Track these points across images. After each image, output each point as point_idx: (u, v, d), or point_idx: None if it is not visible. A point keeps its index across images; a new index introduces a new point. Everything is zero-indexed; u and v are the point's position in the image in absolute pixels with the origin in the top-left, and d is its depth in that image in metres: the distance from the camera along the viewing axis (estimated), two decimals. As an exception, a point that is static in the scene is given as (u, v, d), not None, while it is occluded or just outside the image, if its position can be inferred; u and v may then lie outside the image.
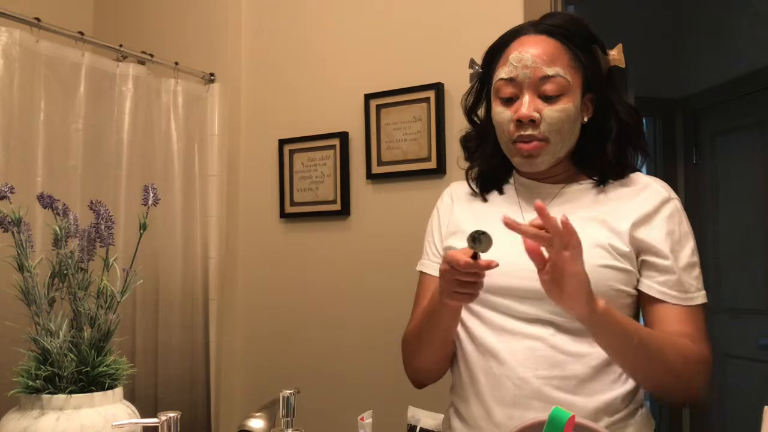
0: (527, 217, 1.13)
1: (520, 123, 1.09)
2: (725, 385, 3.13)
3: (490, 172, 1.22)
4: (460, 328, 1.16)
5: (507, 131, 1.11)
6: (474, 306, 1.13)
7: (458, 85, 1.92)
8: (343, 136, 2.14)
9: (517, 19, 1.81)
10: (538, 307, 1.06)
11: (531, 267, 0.98)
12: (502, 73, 1.11)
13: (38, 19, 1.80)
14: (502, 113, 1.11)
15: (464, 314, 1.15)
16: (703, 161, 3.34)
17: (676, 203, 1.12)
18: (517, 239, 1.04)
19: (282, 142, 2.26)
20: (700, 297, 1.11)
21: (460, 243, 1.15)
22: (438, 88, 1.96)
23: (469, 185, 1.25)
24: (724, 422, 3.12)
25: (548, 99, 1.08)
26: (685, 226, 1.12)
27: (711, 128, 3.32)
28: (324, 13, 2.22)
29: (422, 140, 1.98)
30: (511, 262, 1.05)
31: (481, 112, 1.24)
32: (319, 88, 2.21)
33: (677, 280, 1.08)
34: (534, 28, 1.12)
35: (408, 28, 2.05)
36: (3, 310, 1.33)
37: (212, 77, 2.32)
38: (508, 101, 1.11)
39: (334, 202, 2.15)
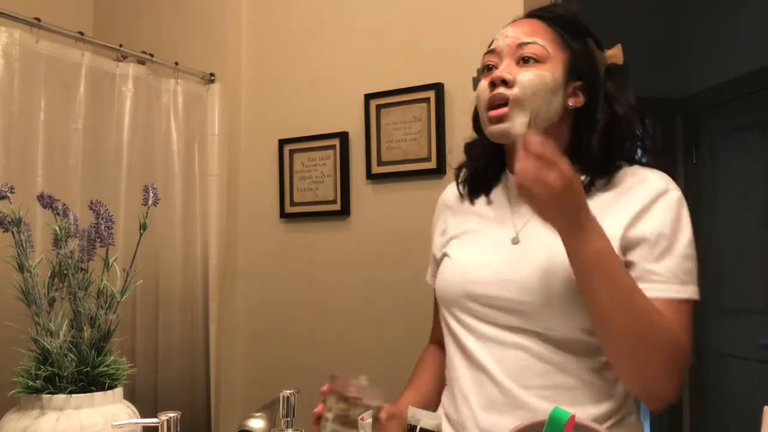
0: (517, 220, 1.11)
1: (493, 85, 1.07)
2: (725, 385, 3.13)
3: (480, 174, 1.19)
4: (448, 335, 1.16)
5: (483, 99, 1.09)
6: (460, 314, 1.12)
7: (458, 85, 1.92)
8: (343, 136, 2.14)
9: (517, 19, 1.82)
10: (524, 319, 1.04)
11: (517, 279, 1.00)
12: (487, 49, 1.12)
13: (38, 19, 1.80)
14: (481, 83, 1.10)
15: (452, 322, 1.14)
16: (703, 161, 3.34)
17: (674, 194, 1.06)
18: (505, 250, 1.07)
19: (282, 142, 2.26)
20: (687, 291, 1.02)
21: (451, 251, 1.16)
22: (438, 88, 1.96)
23: (458, 188, 1.23)
24: (724, 422, 3.12)
25: (526, 64, 1.06)
26: (683, 218, 1.05)
27: (711, 128, 3.33)
28: (324, 13, 2.22)
29: (422, 140, 1.98)
30: (496, 272, 1.06)
31: None
32: (319, 88, 2.21)
33: (665, 269, 1.01)
34: (524, 15, 1.15)
35: (408, 28, 2.05)
36: (3, 310, 1.33)
37: (212, 77, 2.32)
38: (489, 70, 1.10)
39: (334, 202, 2.15)
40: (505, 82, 1.06)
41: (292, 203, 2.24)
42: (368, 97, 2.08)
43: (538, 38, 1.07)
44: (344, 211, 2.13)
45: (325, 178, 2.17)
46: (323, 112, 2.19)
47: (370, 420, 0.93)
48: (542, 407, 1.00)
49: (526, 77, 1.05)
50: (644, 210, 1.04)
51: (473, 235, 1.16)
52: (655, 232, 1.02)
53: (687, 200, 1.09)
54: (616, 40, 1.16)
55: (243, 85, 2.36)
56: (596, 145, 1.08)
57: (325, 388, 0.98)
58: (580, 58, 1.09)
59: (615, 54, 1.13)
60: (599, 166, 1.08)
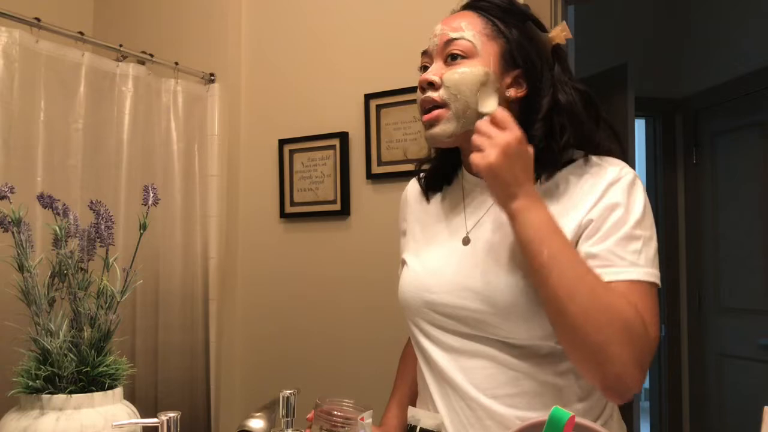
0: (469, 219, 1.08)
1: (422, 89, 1.04)
2: (725, 385, 3.13)
3: (437, 170, 1.18)
4: (415, 347, 1.13)
5: (418, 103, 1.06)
6: (423, 324, 1.09)
7: (458, 85, 1.92)
8: (343, 136, 2.14)
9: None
10: (483, 327, 1.01)
11: (468, 285, 0.99)
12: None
13: (38, 19, 1.80)
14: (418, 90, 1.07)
15: (417, 334, 1.11)
16: (703, 161, 3.34)
17: (627, 180, 0.98)
18: (457, 253, 1.05)
19: (282, 142, 2.26)
20: (638, 273, 0.94)
21: (408, 256, 1.14)
22: (438, 88, 1.96)
23: (419, 184, 1.21)
24: (724, 422, 3.12)
25: (453, 62, 1.03)
26: (633, 200, 0.97)
27: (711, 128, 3.33)
28: (323, 13, 2.22)
29: (422, 140, 1.96)
30: (449, 279, 1.04)
31: None
32: (319, 88, 2.21)
33: (607, 250, 0.94)
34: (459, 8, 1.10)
35: (407, 28, 2.05)
36: (3, 310, 1.33)
37: (212, 77, 2.32)
38: (424, 71, 1.07)
39: (334, 202, 2.15)
40: (432, 85, 1.03)
41: (292, 203, 2.24)
42: (368, 97, 2.08)
43: (466, 32, 1.03)
44: (344, 211, 2.13)
45: (325, 178, 2.17)
46: (323, 112, 2.19)
47: (369, 420, 0.93)
48: (512, 415, 0.98)
49: (451, 79, 1.01)
50: (596, 202, 0.98)
51: (427, 235, 1.14)
52: (600, 217, 0.96)
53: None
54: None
55: (243, 85, 2.36)
56: (537, 135, 1.00)
57: (310, 415, 0.97)
58: (517, 45, 1.03)
59: (557, 34, 1.06)
60: (541, 158, 0.99)
